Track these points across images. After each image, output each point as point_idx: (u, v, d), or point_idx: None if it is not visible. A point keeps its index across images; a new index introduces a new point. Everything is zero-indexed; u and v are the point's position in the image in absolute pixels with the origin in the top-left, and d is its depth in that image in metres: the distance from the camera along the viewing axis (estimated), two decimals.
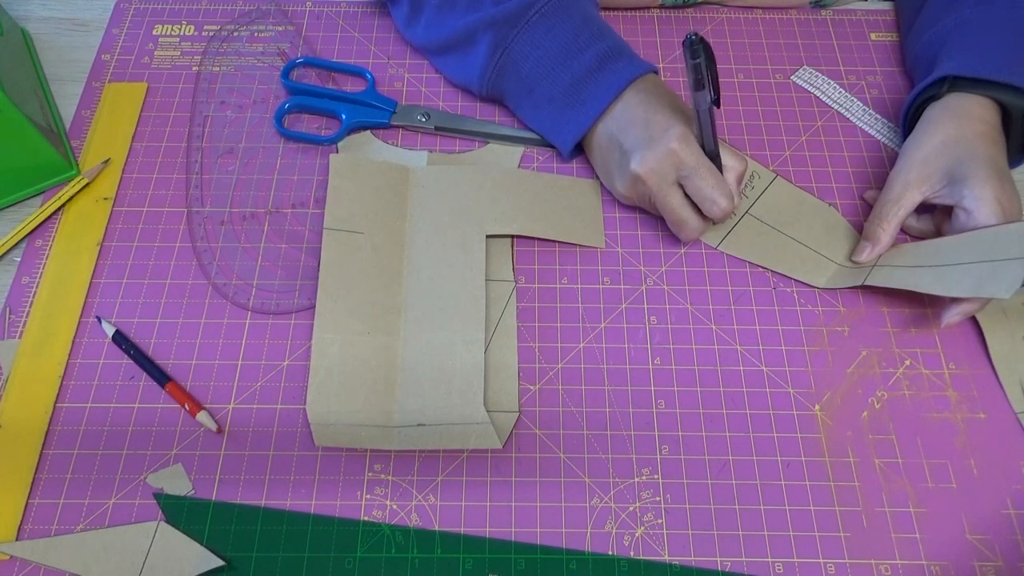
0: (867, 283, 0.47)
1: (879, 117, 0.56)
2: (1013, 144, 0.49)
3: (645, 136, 0.46)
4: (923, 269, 0.45)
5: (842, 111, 0.56)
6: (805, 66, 0.58)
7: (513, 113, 0.55)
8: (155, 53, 0.58)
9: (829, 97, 0.57)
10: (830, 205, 0.52)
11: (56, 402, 0.44)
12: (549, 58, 0.49)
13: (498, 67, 0.51)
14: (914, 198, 0.47)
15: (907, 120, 0.52)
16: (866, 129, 0.55)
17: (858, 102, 0.57)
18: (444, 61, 0.56)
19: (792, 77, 0.58)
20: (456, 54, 0.53)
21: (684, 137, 0.45)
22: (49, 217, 0.50)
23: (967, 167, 0.45)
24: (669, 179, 0.46)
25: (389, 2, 0.57)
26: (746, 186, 0.52)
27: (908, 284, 0.45)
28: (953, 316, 0.44)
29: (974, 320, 0.47)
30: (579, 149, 0.52)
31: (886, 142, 0.55)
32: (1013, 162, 0.49)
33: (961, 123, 0.47)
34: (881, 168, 0.54)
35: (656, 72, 0.49)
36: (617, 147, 0.47)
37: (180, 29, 0.60)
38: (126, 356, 0.45)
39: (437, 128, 0.54)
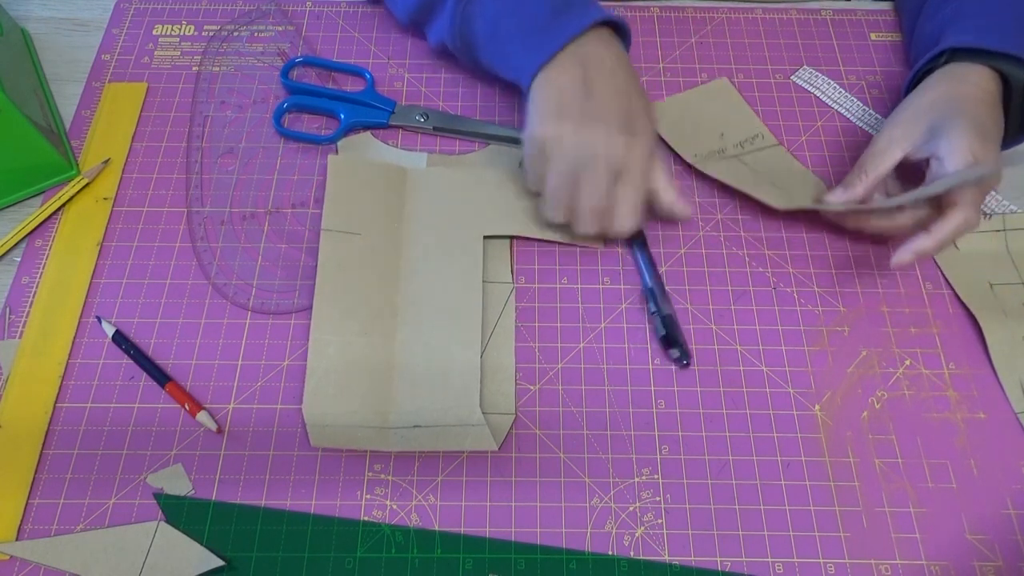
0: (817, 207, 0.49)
1: (879, 117, 0.56)
2: (1012, 121, 0.48)
3: (626, 100, 0.45)
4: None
5: (842, 111, 0.56)
6: (805, 66, 0.58)
7: (487, 68, 0.52)
8: (155, 53, 0.58)
9: (829, 97, 0.57)
10: (820, 179, 0.53)
11: (56, 402, 0.44)
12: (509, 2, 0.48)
13: (465, 15, 0.50)
14: (895, 154, 0.46)
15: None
16: (866, 129, 0.55)
17: (857, 102, 0.57)
18: (429, 28, 0.55)
19: (792, 77, 0.58)
20: (434, 16, 0.53)
21: (649, 132, 0.45)
22: (49, 217, 0.50)
23: (949, 121, 0.44)
24: (598, 163, 0.44)
25: None
26: (745, 142, 0.54)
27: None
28: (904, 253, 0.44)
29: (974, 320, 0.47)
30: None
31: None
32: (1012, 141, 0.49)
33: (954, 84, 0.46)
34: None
35: (623, 29, 0.49)
36: (602, 76, 0.46)
37: (180, 29, 0.60)
38: (126, 356, 0.45)
39: (436, 129, 0.54)
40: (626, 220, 0.45)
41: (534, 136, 0.45)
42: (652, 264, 0.48)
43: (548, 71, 0.46)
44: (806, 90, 0.57)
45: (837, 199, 0.48)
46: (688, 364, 0.46)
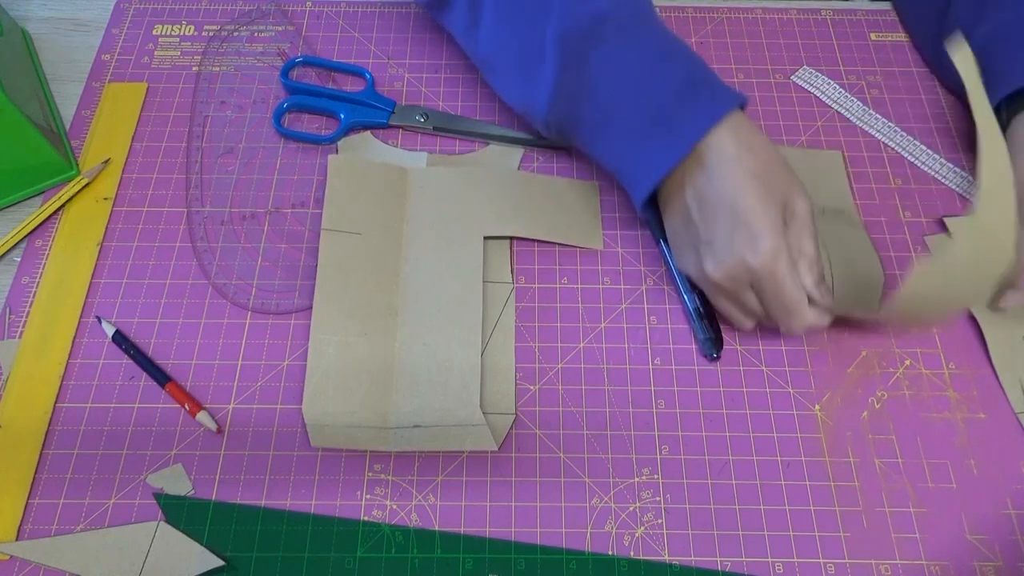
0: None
1: (879, 117, 0.56)
2: None
3: (729, 232, 0.39)
4: None
5: (842, 111, 0.56)
6: (805, 66, 0.58)
7: (585, 149, 0.47)
8: (155, 53, 0.58)
9: (829, 97, 0.57)
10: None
11: (56, 402, 0.44)
12: (630, 79, 0.41)
13: (568, 92, 0.43)
14: None
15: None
16: (866, 129, 0.55)
17: (857, 102, 0.57)
18: (507, 81, 0.47)
19: (792, 77, 0.58)
20: (521, 75, 0.45)
21: (770, 255, 0.38)
22: (49, 217, 0.50)
23: None
24: (743, 286, 0.41)
25: (440, 9, 0.50)
26: (827, 209, 0.49)
27: None
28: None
29: (974, 320, 0.47)
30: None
31: (887, 141, 0.55)
32: None
33: None
34: (881, 168, 0.53)
35: (745, 103, 0.42)
36: (695, 225, 0.42)
37: (180, 29, 0.60)
38: (126, 356, 0.45)
39: (436, 129, 0.54)
40: (792, 321, 0.41)
41: (738, 266, 0.40)
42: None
43: (706, 167, 0.40)
44: (806, 90, 0.57)
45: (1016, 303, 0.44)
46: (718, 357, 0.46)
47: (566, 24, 0.42)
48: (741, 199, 0.39)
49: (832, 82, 0.58)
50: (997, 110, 0.46)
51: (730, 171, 0.39)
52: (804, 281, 0.40)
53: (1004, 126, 0.47)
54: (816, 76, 0.58)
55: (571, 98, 0.43)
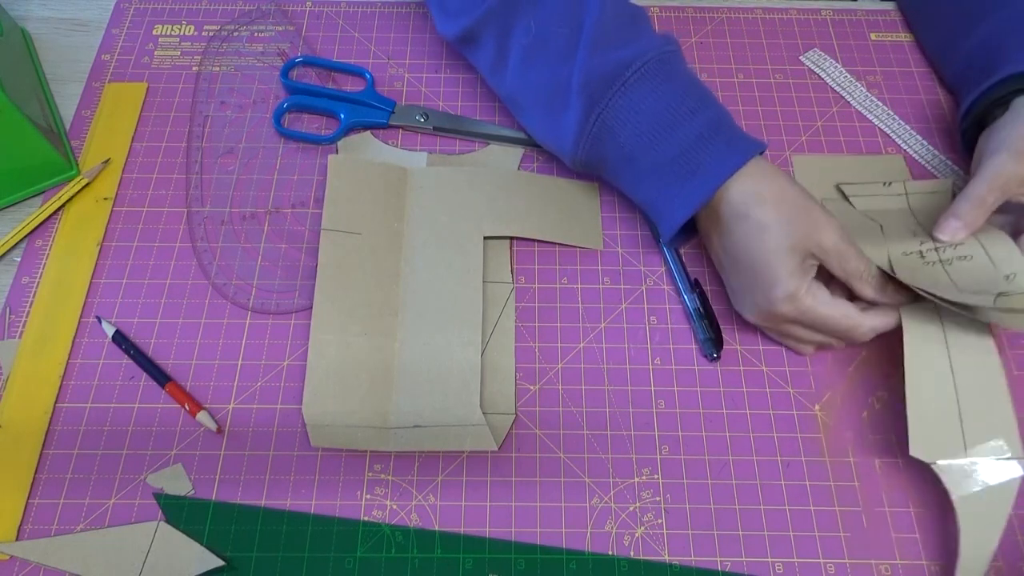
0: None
1: (880, 105, 0.56)
2: None
3: (752, 283, 0.42)
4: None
5: (846, 95, 0.57)
6: (816, 49, 0.59)
7: (612, 184, 0.49)
8: (155, 53, 0.58)
9: (835, 81, 0.57)
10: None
11: (56, 402, 0.44)
12: (652, 124, 0.43)
13: (593, 133, 0.44)
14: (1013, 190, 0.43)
15: (966, 120, 0.50)
16: (867, 115, 0.56)
17: (862, 88, 0.57)
18: (534, 119, 0.49)
19: (801, 57, 0.59)
20: (549, 115, 0.47)
21: (784, 302, 0.41)
22: (49, 217, 0.50)
23: None
24: (785, 323, 0.43)
25: (467, 45, 0.51)
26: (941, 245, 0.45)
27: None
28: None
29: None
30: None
31: (888, 131, 0.55)
32: None
33: None
34: (876, 154, 0.54)
35: (764, 149, 0.44)
36: (727, 273, 0.45)
37: (180, 29, 0.60)
38: (126, 356, 0.45)
39: (436, 129, 0.54)
40: (834, 340, 0.44)
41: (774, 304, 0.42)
42: (688, 277, 0.48)
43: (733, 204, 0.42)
44: (806, 91, 0.57)
45: (953, 236, 0.43)
46: (718, 357, 0.46)
47: (591, 69, 0.43)
48: (753, 254, 0.41)
49: (839, 66, 0.58)
50: (997, 100, 0.47)
51: (743, 228, 0.42)
52: (864, 294, 0.42)
53: (997, 116, 0.47)
54: (824, 59, 0.59)
55: (596, 140, 0.45)
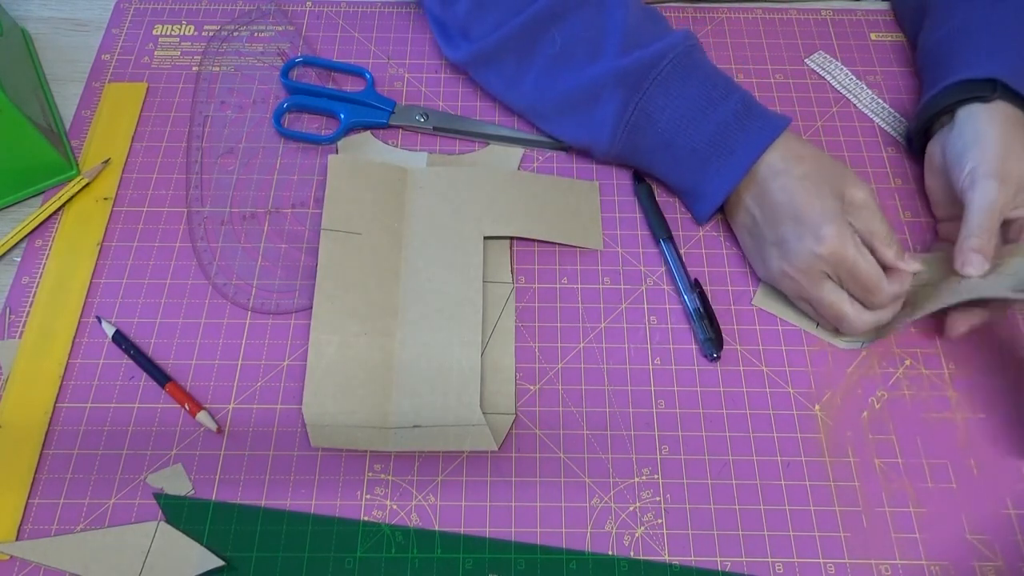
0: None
1: (884, 105, 0.56)
2: None
3: (793, 229, 0.43)
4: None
5: (850, 97, 0.57)
6: (820, 52, 0.59)
7: (646, 170, 0.51)
8: (155, 53, 0.58)
9: (840, 83, 0.57)
10: None
11: (56, 402, 0.44)
12: (688, 109, 0.46)
13: (631, 123, 0.47)
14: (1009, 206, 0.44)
15: (922, 116, 0.50)
16: (870, 115, 0.56)
17: (866, 87, 0.57)
18: (560, 122, 0.51)
19: (806, 60, 0.59)
20: (576, 114, 0.49)
21: (835, 239, 0.42)
22: (49, 217, 0.50)
23: None
24: (818, 276, 0.43)
25: (478, 67, 0.53)
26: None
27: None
28: (959, 326, 0.44)
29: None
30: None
31: (889, 130, 0.55)
32: None
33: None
34: (881, 168, 0.54)
35: (791, 123, 0.46)
36: (761, 230, 0.46)
37: (180, 29, 0.60)
38: (126, 356, 0.45)
39: (436, 128, 0.54)
40: (874, 297, 0.43)
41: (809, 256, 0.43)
42: (688, 277, 0.49)
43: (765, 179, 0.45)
44: (806, 91, 0.57)
45: (980, 270, 0.43)
46: (718, 357, 0.46)
47: (625, 64, 0.46)
48: (797, 199, 0.43)
49: (844, 68, 0.58)
50: (945, 109, 0.48)
51: (783, 180, 0.44)
52: (886, 256, 0.43)
53: (942, 124, 0.49)
54: (829, 61, 0.59)
55: (634, 128, 0.48)
